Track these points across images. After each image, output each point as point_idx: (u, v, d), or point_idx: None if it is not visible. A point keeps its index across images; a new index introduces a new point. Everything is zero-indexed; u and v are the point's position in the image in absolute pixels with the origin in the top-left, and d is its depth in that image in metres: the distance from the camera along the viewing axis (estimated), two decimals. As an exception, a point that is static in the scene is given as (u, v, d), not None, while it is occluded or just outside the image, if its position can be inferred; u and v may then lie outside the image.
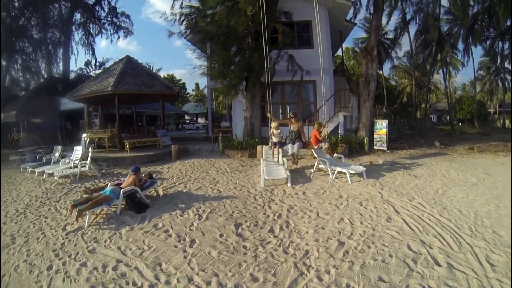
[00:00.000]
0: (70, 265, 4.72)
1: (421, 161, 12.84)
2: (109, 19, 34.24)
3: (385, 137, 14.18)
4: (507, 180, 9.53)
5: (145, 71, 18.79)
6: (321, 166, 10.77)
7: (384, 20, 29.72)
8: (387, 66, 50.39)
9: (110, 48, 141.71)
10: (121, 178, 8.92)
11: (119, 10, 34.46)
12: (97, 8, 33.51)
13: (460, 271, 4.18)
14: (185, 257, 4.81)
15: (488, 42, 33.80)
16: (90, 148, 12.63)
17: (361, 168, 10.09)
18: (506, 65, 41.32)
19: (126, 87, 15.80)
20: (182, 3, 16.97)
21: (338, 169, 10.01)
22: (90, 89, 17.01)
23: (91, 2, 33.17)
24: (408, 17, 35.26)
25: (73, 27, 33.00)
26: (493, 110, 59.54)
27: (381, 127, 14.51)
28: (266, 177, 9.34)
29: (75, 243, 5.52)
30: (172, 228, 6.01)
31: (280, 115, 18.54)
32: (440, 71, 42.24)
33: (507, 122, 49.67)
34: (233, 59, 15.85)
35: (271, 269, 4.38)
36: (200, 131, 36.42)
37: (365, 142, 15.07)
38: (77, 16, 33.31)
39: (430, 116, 55.61)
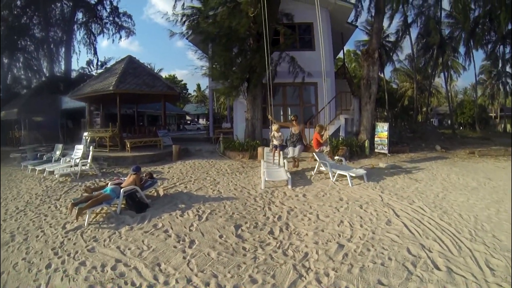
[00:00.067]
0: (69, 264, 4.71)
1: (422, 165, 12.83)
2: (111, 18, 34.40)
3: (386, 140, 14.15)
4: (507, 184, 9.52)
5: (147, 71, 18.81)
6: (322, 168, 10.80)
7: (385, 23, 29.81)
8: (388, 69, 50.66)
9: (111, 48, 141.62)
10: (122, 178, 8.93)
11: (121, 10, 34.66)
12: (99, 7, 33.66)
13: (459, 275, 4.18)
14: (184, 258, 4.80)
15: (489, 46, 33.77)
16: (91, 147, 12.65)
17: (362, 171, 10.13)
18: (508, 69, 41.21)
19: (127, 86, 15.81)
20: (184, 3, 16.98)
21: (338, 171, 10.01)
22: (92, 88, 17.02)
23: (93, 2, 33.30)
24: (409, 20, 35.27)
25: (75, 26, 33.14)
26: (494, 114, 59.55)
27: (382, 130, 14.48)
28: (266, 179, 9.34)
29: (74, 241, 5.51)
30: (171, 229, 6.00)
31: (281, 117, 18.53)
32: (442, 74, 42.22)
33: (508, 126, 49.59)
34: (235, 60, 15.85)
35: (270, 271, 4.37)
36: (201, 132, 36.36)
37: (366, 145, 15.07)
38: (79, 15, 33.46)
39: (431, 119, 55.71)
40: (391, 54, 42.44)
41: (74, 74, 32.59)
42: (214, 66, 16.47)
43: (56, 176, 10.84)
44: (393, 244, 5.16)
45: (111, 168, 12.71)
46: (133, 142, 15.24)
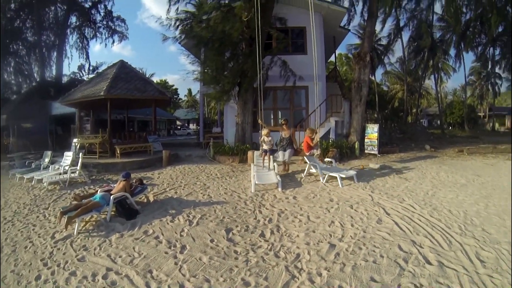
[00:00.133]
0: (59, 274, 4.64)
1: (412, 164, 12.94)
2: (104, 23, 34.28)
3: (376, 141, 14.27)
4: (495, 180, 9.80)
5: (139, 76, 18.68)
6: (312, 170, 10.82)
7: (378, 26, 30.02)
8: (379, 72, 50.87)
9: (104, 52, 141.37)
10: (111, 184, 8.88)
11: (115, 14, 34.51)
12: (93, 11, 33.48)
13: (451, 269, 4.26)
14: (176, 263, 4.77)
15: (479, 48, 34.31)
16: (80, 154, 12.50)
17: (352, 172, 10.19)
18: (497, 70, 41.89)
19: (118, 91, 15.67)
20: (177, 8, 16.95)
21: (329, 173, 10.05)
22: (83, 93, 16.84)
23: (87, 6, 33.11)
24: (401, 23, 35.73)
25: (68, 30, 32.92)
26: (483, 114, 60.30)
27: (372, 132, 14.60)
28: (256, 182, 9.33)
29: (64, 251, 5.44)
30: (162, 235, 5.96)
31: (272, 120, 18.57)
32: (432, 76, 42.77)
33: (497, 125, 50.23)
34: (227, 64, 15.81)
35: (262, 273, 4.37)
36: (192, 137, 36.33)
37: (356, 146, 15.16)
38: (73, 19, 33.30)
39: (421, 120, 56.20)
40: (382, 57, 42.92)
41: (65, 79, 32.42)
42: (206, 70, 16.42)
43: (45, 184, 10.63)
44: (384, 242, 5.20)
45: (101, 175, 12.57)
46: (123, 148, 15.09)
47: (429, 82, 54.27)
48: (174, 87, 79.68)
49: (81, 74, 34.00)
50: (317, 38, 15.10)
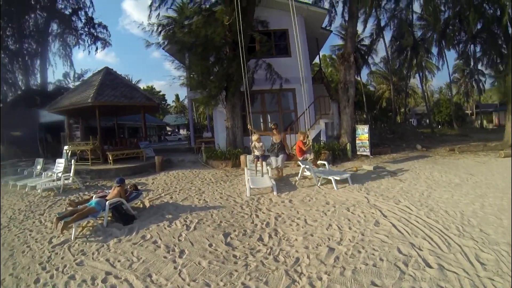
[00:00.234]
0: (58, 278, 4.62)
1: (405, 165, 13.08)
2: (86, 29, 33.95)
3: (367, 142, 14.34)
4: (489, 179, 9.92)
5: (125, 82, 18.56)
6: (306, 173, 10.83)
7: (360, 27, 30.31)
8: (364, 72, 51.40)
9: (87, 60, 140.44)
10: (106, 190, 8.83)
11: (96, 21, 34.20)
12: (73, 18, 33.14)
13: (451, 272, 4.24)
14: (175, 268, 4.76)
15: (460, 46, 34.65)
16: (73, 161, 12.44)
17: (346, 174, 10.23)
18: (480, 67, 42.45)
19: (106, 98, 15.57)
20: (159, 13, 16.87)
21: (323, 176, 10.09)
22: (70, 101, 16.70)
23: (67, 12, 32.79)
24: (382, 23, 36.09)
25: (50, 38, 32.56)
26: (470, 111, 61.14)
27: (363, 133, 14.67)
28: (251, 186, 9.31)
29: (62, 256, 5.41)
30: (160, 239, 5.93)
31: (262, 124, 18.56)
32: (417, 75, 43.27)
33: (485, 122, 50.89)
34: (212, 69, 15.81)
35: (262, 278, 4.36)
36: (183, 142, 36.12)
37: (348, 148, 15.25)
38: (54, 26, 32.85)
39: (410, 120, 56.82)
40: (366, 57, 43.37)
41: (50, 87, 32.06)
42: (191, 75, 16.38)
43: (39, 191, 10.59)
44: (383, 245, 5.21)
45: (95, 181, 12.52)
46: (115, 154, 15.01)
47: (415, 81, 54.85)
48: (161, 93, 79.52)
49: (66, 81, 33.82)
50: (300, 40, 15.17)
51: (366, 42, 42.35)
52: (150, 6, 16.54)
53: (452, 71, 51.77)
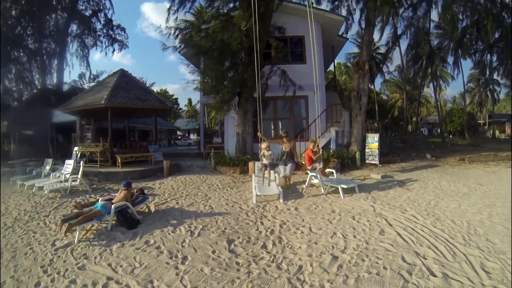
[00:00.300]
0: (58, 282, 4.60)
1: (413, 174, 12.96)
2: (104, 31, 34.53)
3: (377, 151, 14.24)
4: (498, 189, 9.81)
5: (139, 85, 18.73)
6: (313, 181, 10.80)
7: (376, 35, 30.22)
8: (378, 81, 51.23)
9: (104, 61, 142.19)
10: (112, 194, 8.85)
11: (114, 23, 34.79)
12: (93, 20, 33.70)
13: (456, 280, 4.20)
14: (177, 274, 4.72)
15: (477, 55, 34.45)
16: (81, 162, 12.49)
17: (353, 183, 10.19)
18: (495, 76, 42.15)
19: (119, 100, 15.71)
20: (177, 17, 16.98)
21: (330, 184, 10.03)
22: (84, 101, 16.90)
23: (87, 14, 33.29)
24: (399, 31, 35.87)
25: (69, 38, 33.09)
26: (483, 121, 60.52)
27: (373, 141, 14.58)
28: (258, 193, 9.28)
29: (64, 259, 5.39)
30: (164, 245, 5.91)
31: (272, 131, 18.55)
32: (431, 84, 42.91)
33: (497, 132, 50.35)
34: (226, 74, 15.85)
35: (264, 285, 4.32)
36: (192, 147, 36.06)
37: (357, 156, 15.14)
38: (74, 27, 33.53)
39: (421, 129, 56.36)
40: (381, 65, 43.11)
41: (66, 87, 32.57)
42: (205, 80, 16.47)
43: (46, 191, 10.63)
44: (387, 253, 5.15)
45: (102, 184, 12.59)
46: (124, 157, 15.10)
47: (428, 90, 54.75)
48: (174, 97, 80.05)
49: (81, 82, 34.28)
50: (316, 47, 15.13)
51: (382, 50, 42.32)
52: (169, 9, 16.65)
53: (467, 81, 51.45)
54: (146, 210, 8.45)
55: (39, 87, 30.93)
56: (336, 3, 19.24)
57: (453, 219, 6.82)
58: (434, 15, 33.68)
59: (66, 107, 18.04)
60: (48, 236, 6.52)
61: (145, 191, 9.24)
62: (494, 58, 34.59)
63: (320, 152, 11.32)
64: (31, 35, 30.71)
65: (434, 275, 4.36)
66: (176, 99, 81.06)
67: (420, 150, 20.94)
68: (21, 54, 30.68)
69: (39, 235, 6.64)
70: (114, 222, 7.04)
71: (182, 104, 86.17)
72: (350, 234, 6.13)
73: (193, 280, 4.52)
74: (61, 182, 11.50)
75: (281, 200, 9.04)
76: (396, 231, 6.15)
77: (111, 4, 34.91)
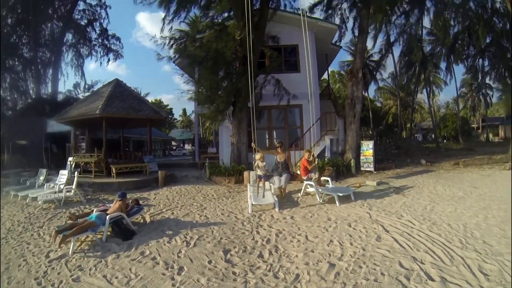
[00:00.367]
0: (52, 294, 4.55)
1: (408, 180, 13.02)
2: (100, 41, 34.60)
3: (372, 158, 14.29)
4: (493, 191, 9.96)
5: (133, 95, 18.66)
6: (309, 190, 10.75)
7: (369, 43, 30.45)
8: (372, 88, 51.57)
9: (99, 71, 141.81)
10: (107, 204, 8.78)
11: (110, 32, 34.80)
12: (88, 29, 33.76)
13: (454, 284, 4.23)
14: (173, 285, 4.68)
15: (469, 60, 34.79)
16: (76, 173, 12.41)
17: (349, 190, 10.19)
18: (487, 81, 42.59)
19: (114, 110, 15.63)
20: (171, 27, 17.01)
21: (325, 192, 10.01)
22: (78, 111, 16.80)
23: (83, 23, 33.36)
24: (392, 39, 36.20)
25: (64, 47, 33.07)
26: (476, 125, 61.07)
27: (367, 148, 14.63)
28: (253, 203, 9.26)
29: (58, 271, 5.34)
30: (159, 256, 5.87)
31: (267, 140, 18.49)
32: (424, 90, 43.27)
33: (491, 135, 50.76)
34: (221, 84, 15.84)
35: (261, 295, 4.29)
36: (187, 157, 35.87)
37: (352, 164, 15.17)
38: (69, 36, 33.56)
39: (415, 135, 56.79)
40: (374, 73, 43.48)
41: (60, 97, 32.36)
42: (200, 90, 16.44)
43: (40, 202, 10.58)
44: (384, 260, 5.16)
45: (96, 195, 12.51)
46: (119, 167, 15.02)
47: (422, 96, 55.18)
48: (168, 107, 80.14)
49: (76, 92, 34.15)
50: (310, 56, 15.15)
51: (375, 57, 42.67)
52: (164, 19, 16.59)
53: (459, 86, 51.90)
54: (142, 221, 8.39)
55: (33, 96, 30.78)
56: (330, 11, 19.29)
57: (449, 223, 6.88)
58: (426, 22, 34.03)
59: (60, 117, 17.93)
60: (42, 248, 6.46)
61: (140, 202, 9.23)
62: (486, 63, 34.97)
63: (316, 162, 11.17)
64: (26, 44, 30.68)
65: (432, 280, 4.38)
66: (171, 109, 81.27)
67: (414, 156, 21.04)
68: (16, 62, 30.61)
69: (33, 246, 6.58)
70: (109, 233, 6.98)
71: (177, 114, 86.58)
72: (346, 242, 6.12)
73: (190, 291, 4.48)
74: (55, 192, 11.40)
75: (276, 209, 9.00)
76: (392, 237, 6.16)
77: (107, 14, 34.88)
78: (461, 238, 5.89)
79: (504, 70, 30.65)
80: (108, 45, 34.93)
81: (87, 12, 33.39)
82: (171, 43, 16.20)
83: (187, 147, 60.42)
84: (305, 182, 10.62)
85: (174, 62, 18.12)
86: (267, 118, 18.28)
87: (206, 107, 15.99)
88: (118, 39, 35.39)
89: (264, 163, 10.39)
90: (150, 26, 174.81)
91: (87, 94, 28.92)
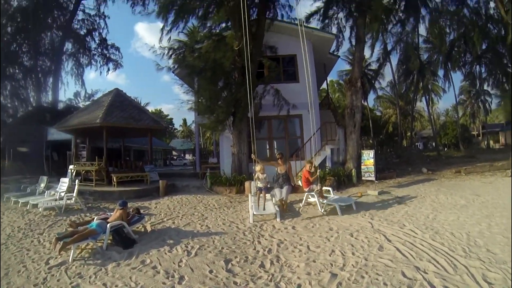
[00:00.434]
0: (51, 301, 4.52)
1: (410, 188, 12.99)
2: (99, 50, 34.91)
3: (373, 168, 14.23)
4: (495, 198, 9.91)
5: (133, 104, 18.78)
6: (310, 200, 10.69)
7: (367, 52, 30.55)
8: (371, 97, 51.71)
9: (99, 80, 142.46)
10: (108, 213, 8.76)
11: (109, 42, 35.04)
12: (88, 39, 34.03)
13: (457, 293, 4.15)
14: (174, 294, 4.65)
15: (466, 67, 34.99)
16: (77, 181, 12.40)
17: (350, 200, 10.15)
18: (485, 87, 42.80)
19: (114, 120, 15.73)
20: (170, 37, 17.04)
21: (327, 202, 9.95)
22: (79, 120, 16.89)
23: (82, 33, 33.57)
24: (389, 47, 36.45)
25: (64, 56, 33.30)
26: (477, 132, 61.10)
27: (368, 158, 14.57)
28: (255, 213, 9.22)
29: (58, 278, 5.32)
30: (160, 264, 5.84)
31: (267, 150, 18.40)
32: (423, 98, 43.40)
33: (491, 142, 50.76)
34: (220, 94, 15.85)
35: (263, 305, 4.26)
36: (188, 167, 35.75)
37: (353, 173, 15.15)
38: (68, 45, 33.84)
39: (416, 143, 56.74)
40: (373, 82, 43.64)
41: (61, 105, 32.55)
42: (200, 100, 16.46)
43: (40, 209, 10.63)
44: (387, 269, 5.11)
45: (97, 203, 12.52)
46: (120, 176, 15.03)
47: (421, 104, 55.31)
48: (169, 117, 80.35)
49: (76, 100, 34.31)
50: (308, 65, 15.13)
51: (373, 66, 42.86)
52: (162, 29, 16.58)
53: (458, 93, 52.09)
54: (142, 230, 8.38)
55: (34, 105, 30.95)
56: (326, 21, 19.35)
57: (452, 231, 6.84)
58: (422, 30, 34.31)
59: (61, 125, 18.00)
60: (42, 254, 6.46)
61: (141, 211, 9.19)
62: (483, 69, 35.20)
63: (318, 173, 10.92)
64: (27, 52, 30.90)
65: (436, 289, 4.32)
66: (171, 119, 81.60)
67: (415, 165, 21.01)
68: (17, 71, 30.80)
69: (33, 252, 6.59)
70: (109, 241, 6.95)
71: (177, 124, 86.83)
72: (348, 251, 6.08)
73: (191, 301, 4.44)
74: (56, 200, 11.44)
75: (278, 219, 8.96)
76: (395, 247, 6.12)
77: (106, 24, 35.42)
78: (464, 246, 5.85)
79: (501, 76, 30.83)
80: (108, 55, 35.32)
81: (86, 22, 33.90)
82: (170, 53, 16.17)
83: (188, 157, 60.47)
84: (307, 192, 10.53)
85: (173, 72, 18.18)
86: (267, 128, 18.26)
87: (206, 117, 15.98)
88: (117, 49, 35.80)
89: (265, 175, 10.09)
90: (148, 36, 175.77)
91: (87, 103, 29.08)
